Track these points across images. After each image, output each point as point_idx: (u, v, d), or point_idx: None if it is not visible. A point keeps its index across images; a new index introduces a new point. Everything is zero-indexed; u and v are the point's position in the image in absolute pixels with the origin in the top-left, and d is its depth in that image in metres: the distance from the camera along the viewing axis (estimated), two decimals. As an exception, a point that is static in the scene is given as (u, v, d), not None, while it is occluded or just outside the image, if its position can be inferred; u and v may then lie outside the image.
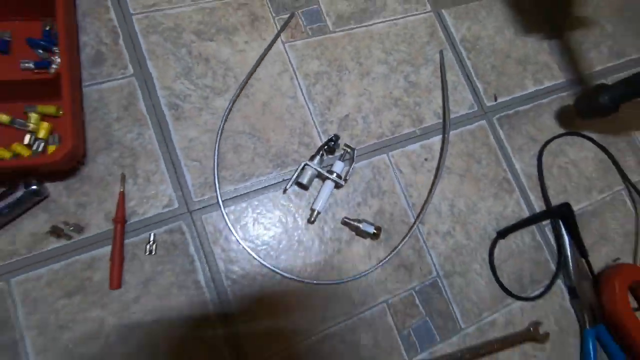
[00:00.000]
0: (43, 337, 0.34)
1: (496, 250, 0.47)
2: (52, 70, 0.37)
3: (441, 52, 0.52)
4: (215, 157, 0.41)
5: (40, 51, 0.38)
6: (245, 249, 0.40)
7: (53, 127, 0.37)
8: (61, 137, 0.37)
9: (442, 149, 0.48)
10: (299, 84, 0.46)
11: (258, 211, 0.41)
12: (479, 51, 0.54)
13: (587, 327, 0.46)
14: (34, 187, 0.35)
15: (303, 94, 0.45)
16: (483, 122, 0.51)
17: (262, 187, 0.42)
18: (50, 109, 0.37)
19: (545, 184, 0.50)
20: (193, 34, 0.44)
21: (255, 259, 0.40)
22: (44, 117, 0.37)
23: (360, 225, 0.42)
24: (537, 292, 0.46)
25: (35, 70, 0.38)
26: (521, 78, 0.54)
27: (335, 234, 0.43)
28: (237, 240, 0.40)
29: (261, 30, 0.46)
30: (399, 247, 0.43)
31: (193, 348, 0.36)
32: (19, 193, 0.34)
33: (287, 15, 0.47)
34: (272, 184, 0.42)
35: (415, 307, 0.43)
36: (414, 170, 0.47)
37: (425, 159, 0.48)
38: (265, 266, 0.40)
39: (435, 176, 0.47)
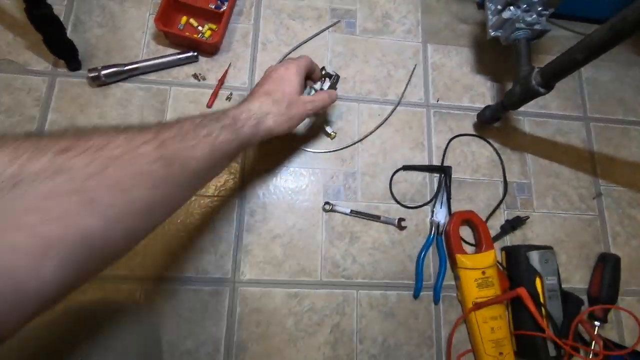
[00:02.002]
0: (175, 113, 0.78)
1: (397, 175, 0.81)
2: (220, 10, 0.83)
3: (415, 66, 0.88)
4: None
5: (219, 2, 0.85)
6: (268, 116, 0.80)
7: (211, 33, 0.83)
8: (213, 38, 0.82)
9: (390, 112, 0.84)
10: (328, 55, 0.86)
11: (281, 103, 0.82)
12: (440, 72, 0.89)
13: (432, 234, 0.77)
14: (195, 53, 0.80)
15: (328, 61, 0.86)
16: (423, 110, 0.86)
17: (288, 94, 0.83)
18: (213, 26, 0.83)
19: (446, 154, 0.83)
20: (286, 15, 0.87)
21: (271, 122, 0.80)
22: (209, 28, 0.83)
23: (327, 127, 0.80)
24: (411, 205, 0.79)
25: (214, 8, 0.83)
26: (461, 96, 0.88)
27: (320, 138, 0.81)
28: (266, 111, 0.81)
29: (320, 23, 0.88)
30: (342, 148, 0.80)
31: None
32: (190, 54, 0.80)
33: (336, 20, 0.88)
34: (293, 94, 0.83)
35: (338, 179, 0.79)
36: (369, 117, 0.84)
37: (379, 115, 0.84)
38: (273, 127, 0.80)
39: (379, 125, 0.83)
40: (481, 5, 0.93)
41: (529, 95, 0.65)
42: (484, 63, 0.90)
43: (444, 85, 0.88)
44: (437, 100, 0.87)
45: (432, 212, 0.79)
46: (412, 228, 0.78)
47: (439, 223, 0.78)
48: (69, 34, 0.79)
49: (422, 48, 0.90)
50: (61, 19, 0.79)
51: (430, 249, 0.77)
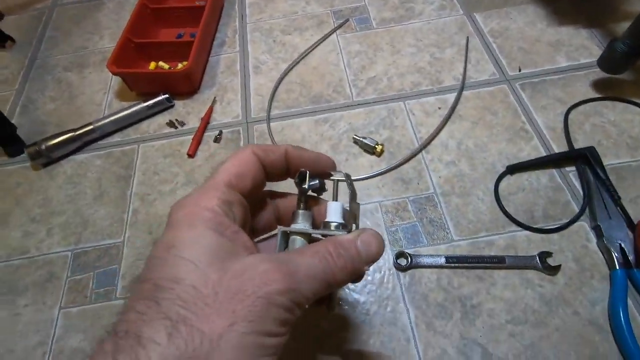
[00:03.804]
0: (144, 176, 0.54)
1: (504, 184, 0.48)
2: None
3: (467, 38, 0.62)
4: (272, 93, 0.59)
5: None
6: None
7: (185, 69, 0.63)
8: (184, 67, 0.62)
9: (455, 101, 0.55)
10: (342, 57, 0.63)
11: (291, 127, 0.56)
12: (506, 37, 0.62)
13: (617, 268, 0.40)
14: (167, 96, 0.59)
15: (343, 63, 0.62)
16: (503, 86, 0.56)
17: (299, 114, 0.57)
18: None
19: (570, 134, 0.50)
20: (279, 31, 0.68)
21: (282, 156, 0.53)
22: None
23: (365, 140, 0.51)
24: (550, 226, 0.44)
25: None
26: (552, 56, 0.58)
27: (346, 148, 0.53)
28: (272, 143, 0.55)
29: (323, 29, 0.67)
30: (400, 163, 0.50)
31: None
32: (160, 98, 0.59)
33: (343, 20, 0.67)
34: (307, 112, 0.57)
35: (407, 212, 0.47)
36: (426, 115, 0.55)
37: (439, 108, 0.55)
38: (287, 161, 0.52)
39: (445, 119, 0.53)
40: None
41: None
42: (564, 13, 0.63)
43: (520, 51, 0.60)
44: (520, 70, 0.58)
45: (597, 228, 0.43)
46: (572, 265, 0.41)
47: (620, 245, 0.41)
48: (16, 117, 0.62)
49: (469, 20, 0.65)
50: (8, 105, 0.64)
51: (627, 296, 0.39)
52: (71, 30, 0.74)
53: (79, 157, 0.57)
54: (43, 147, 0.54)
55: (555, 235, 0.43)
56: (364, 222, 0.47)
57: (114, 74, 0.57)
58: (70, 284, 0.46)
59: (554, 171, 0.48)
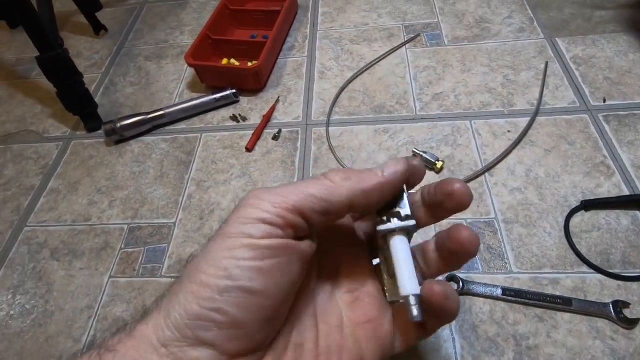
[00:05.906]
0: (203, 164, 0.56)
1: (576, 220, 0.43)
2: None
3: (546, 62, 0.59)
4: (334, 98, 0.60)
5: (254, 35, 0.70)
6: (332, 151, 0.54)
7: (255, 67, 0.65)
8: (255, 65, 0.64)
9: (527, 125, 0.52)
10: (409, 70, 0.62)
11: (349, 134, 0.55)
12: (590, 66, 0.57)
13: None
14: (235, 91, 0.61)
15: (410, 76, 0.61)
16: (584, 115, 0.52)
17: (359, 122, 0.57)
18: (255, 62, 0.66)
19: (661, 176, 0.45)
20: (348, 41, 0.69)
21: (338, 160, 0.53)
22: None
23: (425, 154, 0.49)
24: (628, 273, 0.39)
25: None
26: (644, 89, 0.53)
27: (404, 161, 0.51)
28: (329, 146, 0.54)
29: (393, 42, 0.67)
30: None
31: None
32: (227, 92, 0.61)
33: (414, 34, 0.67)
34: (367, 121, 0.56)
35: (463, 234, 0.44)
36: (493, 136, 0.52)
37: (508, 131, 0.52)
38: (341, 164, 0.52)
39: (515, 142, 0.50)
40: (621, -17, 0.66)
41: None
42: (661, 44, 0.57)
43: (607, 80, 0.55)
44: (604, 101, 0.53)
45: (689, 283, 0.37)
46: (653, 323, 0.36)
47: None
48: (98, 97, 0.68)
49: (549, 44, 0.62)
50: (93, 86, 0.70)
51: None
52: (156, 25, 0.80)
53: (147, 138, 0.60)
54: (117, 125, 0.58)
55: (634, 285, 0.38)
56: (416, 239, 0.45)
57: (190, 65, 0.61)
58: (122, 255, 0.48)
59: (638, 213, 0.43)
